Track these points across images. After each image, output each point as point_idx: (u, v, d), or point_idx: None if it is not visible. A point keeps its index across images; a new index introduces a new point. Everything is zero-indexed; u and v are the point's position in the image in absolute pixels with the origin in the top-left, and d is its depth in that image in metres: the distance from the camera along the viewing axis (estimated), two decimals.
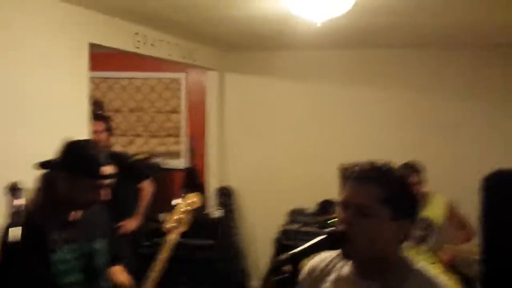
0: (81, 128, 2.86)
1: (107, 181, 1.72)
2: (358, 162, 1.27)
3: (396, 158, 3.55)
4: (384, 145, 4.07)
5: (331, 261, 1.41)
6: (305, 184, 4.22)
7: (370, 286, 1.28)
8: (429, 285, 1.23)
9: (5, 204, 2.27)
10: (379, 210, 1.22)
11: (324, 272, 1.41)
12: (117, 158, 3.61)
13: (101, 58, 4.50)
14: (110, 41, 3.14)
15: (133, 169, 3.55)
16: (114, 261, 1.97)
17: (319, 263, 1.44)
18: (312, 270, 1.44)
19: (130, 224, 3.52)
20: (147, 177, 3.68)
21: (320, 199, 4.01)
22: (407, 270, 1.28)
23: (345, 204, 1.27)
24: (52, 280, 1.70)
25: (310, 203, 4.10)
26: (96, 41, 3.00)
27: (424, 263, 1.38)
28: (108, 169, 1.71)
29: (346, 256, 1.30)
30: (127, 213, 3.51)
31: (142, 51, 3.45)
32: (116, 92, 5.02)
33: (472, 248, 3.16)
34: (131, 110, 4.96)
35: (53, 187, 1.69)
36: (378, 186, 1.23)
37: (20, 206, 2.26)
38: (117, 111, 4.95)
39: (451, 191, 3.53)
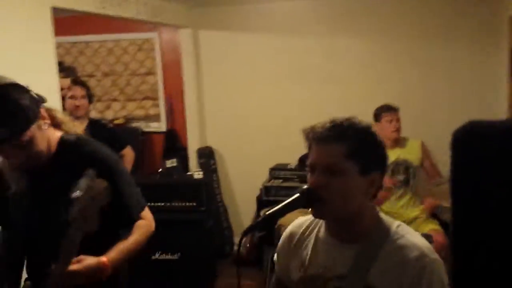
0: (50, 95, 2.77)
1: None
2: (319, 122, 1.26)
3: (375, 106, 3.60)
4: (362, 94, 4.05)
5: (308, 226, 1.41)
6: (285, 139, 4.21)
7: (347, 249, 1.27)
8: (406, 252, 1.22)
9: None
10: (347, 167, 1.21)
11: (302, 238, 1.40)
12: (97, 126, 3.59)
13: (70, 22, 4.36)
14: (74, 4, 3.00)
15: (114, 137, 3.49)
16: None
17: (297, 229, 1.43)
18: (290, 237, 1.43)
19: None
20: (128, 144, 3.64)
21: (301, 154, 4.01)
22: (384, 234, 1.27)
23: (313, 167, 1.25)
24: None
25: (291, 159, 4.10)
26: (59, 4, 2.86)
27: (401, 222, 1.33)
28: None
29: (319, 216, 1.30)
30: None
31: (109, 11, 3.31)
32: (87, 56, 4.87)
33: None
34: (105, 74, 4.84)
35: None
36: (342, 143, 1.21)
37: None
38: (90, 76, 4.83)
39: (425, 137, 3.59)
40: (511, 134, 1.10)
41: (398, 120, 3.41)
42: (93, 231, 1.43)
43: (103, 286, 1.56)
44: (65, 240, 1.41)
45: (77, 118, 3.49)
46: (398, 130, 3.40)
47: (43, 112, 1.54)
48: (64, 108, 3.31)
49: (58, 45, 4.11)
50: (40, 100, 1.53)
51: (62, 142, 1.63)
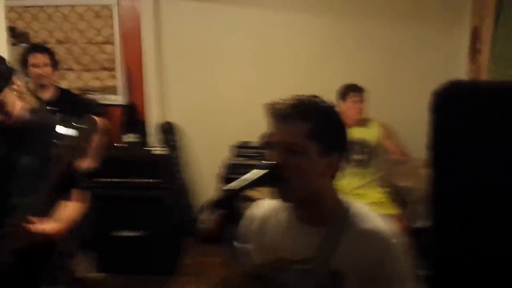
0: None
1: None
2: (283, 99, 1.23)
3: (338, 86, 3.56)
4: (327, 73, 4.02)
5: (270, 208, 1.38)
6: (249, 117, 4.11)
7: (311, 232, 1.26)
8: (369, 235, 1.22)
9: None
10: (307, 147, 1.19)
11: (265, 221, 1.38)
12: (65, 95, 3.41)
13: None
14: None
15: (83, 107, 3.37)
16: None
17: (259, 212, 1.41)
18: (252, 220, 1.41)
19: (85, 165, 3.37)
20: (100, 114, 3.50)
21: (265, 132, 3.94)
22: (347, 216, 1.25)
23: (272, 144, 1.22)
24: None
25: (254, 137, 4.02)
26: None
27: (363, 204, 1.33)
28: None
29: (283, 197, 1.26)
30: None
31: None
32: (41, 22, 4.56)
33: (409, 170, 3.22)
34: (59, 42, 4.55)
35: None
36: (304, 122, 1.20)
37: None
38: (43, 42, 4.53)
39: (391, 119, 3.59)
40: (498, 93, 1.02)
41: (362, 101, 3.39)
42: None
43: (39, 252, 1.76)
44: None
45: (42, 86, 3.33)
46: (361, 111, 3.39)
47: (15, 80, 1.79)
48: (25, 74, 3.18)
49: (9, 9, 3.83)
50: (13, 69, 1.81)
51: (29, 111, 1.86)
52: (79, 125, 1.68)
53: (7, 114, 1.77)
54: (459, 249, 1.32)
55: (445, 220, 1.30)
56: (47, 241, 1.72)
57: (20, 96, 1.83)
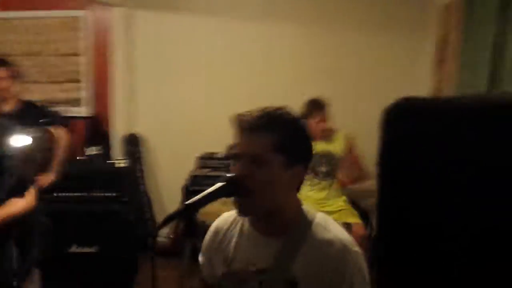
0: None
1: None
2: (249, 110, 1.23)
3: (306, 94, 3.51)
4: (293, 83, 3.96)
5: (233, 220, 1.36)
6: (215, 128, 4.03)
7: (271, 243, 1.25)
8: (328, 245, 1.21)
9: None
10: (272, 158, 1.18)
11: (227, 233, 1.36)
12: (28, 106, 3.35)
13: None
14: None
15: (45, 116, 3.36)
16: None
17: (222, 224, 1.38)
18: (215, 232, 1.39)
19: (46, 179, 3.29)
20: (62, 125, 3.46)
21: (230, 143, 3.85)
22: (306, 226, 1.24)
23: (237, 156, 1.20)
24: None
25: (220, 148, 3.94)
26: None
27: (324, 214, 1.31)
28: None
29: (243, 212, 1.24)
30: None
31: None
32: (5, 33, 4.50)
33: (367, 185, 3.22)
34: (25, 54, 4.48)
35: None
36: (269, 134, 1.19)
37: None
38: (8, 55, 4.45)
39: (354, 130, 3.52)
40: (448, 111, 1.00)
41: (325, 119, 3.32)
42: None
43: None
44: None
45: (5, 100, 3.30)
46: (324, 127, 3.32)
47: None
48: None
49: None
50: None
51: None
52: (36, 135, 1.70)
53: None
54: (400, 258, 1.27)
55: (390, 233, 1.25)
56: None
57: None
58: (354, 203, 3.34)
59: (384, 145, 1.14)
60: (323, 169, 3.34)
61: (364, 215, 3.20)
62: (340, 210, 3.23)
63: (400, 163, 1.11)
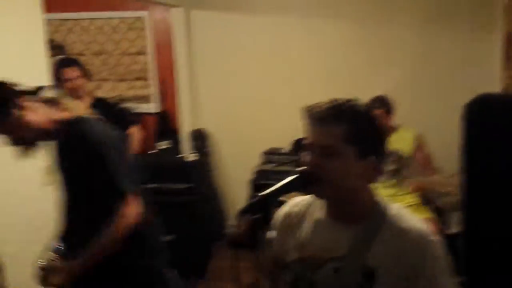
0: (40, 74, 2.68)
1: None
2: (320, 102, 1.23)
3: (367, 93, 3.57)
4: (355, 80, 4.01)
5: (304, 205, 1.39)
6: (279, 123, 4.17)
7: (345, 230, 1.26)
8: (406, 233, 1.22)
9: None
10: (344, 150, 1.19)
11: (298, 217, 1.38)
12: (102, 104, 3.54)
13: None
14: None
15: (119, 116, 3.49)
16: None
17: (293, 208, 1.41)
18: (286, 216, 1.41)
19: None
20: (134, 123, 3.61)
21: (294, 138, 3.97)
22: (382, 216, 1.26)
23: (310, 147, 1.23)
24: None
25: (285, 143, 4.06)
26: None
27: (399, 205, 1.32)
28: None
29: (318, 195, 1.27)
30: None
31: None
32: (77, 34, 4.74)
33: (441, 180, 3.20)
34: (95, 53, 4.72)
35: None
36: (341, 126, 1.19)
37: None
38: (80, 54, 4.70)
39: (419, 125, 3.53)
40: None
41: (388, 115, 3.31)
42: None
43: None
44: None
45: (79, 98, 3.48)
46: (389, 125, 3.33)
47: (22, 102, 1.74)
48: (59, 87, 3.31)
49: (46, 22, 3.98)
50: (15, 91, 1.74)
51: (60, 122, 1.82)
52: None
53: (22, 137, 1.75)
54: (490, 254, 1.32)
55: (477, 226, 1.31)
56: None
57: (34, 111, 1.77)
58: (426, 200, 3.31)
59: (467, 139, 1.21)
60: (390, 167, 3.33)
61: (437, 211, 3.20)
62: (410, 206, 3.22)
63: (484, 155, 1.18)
